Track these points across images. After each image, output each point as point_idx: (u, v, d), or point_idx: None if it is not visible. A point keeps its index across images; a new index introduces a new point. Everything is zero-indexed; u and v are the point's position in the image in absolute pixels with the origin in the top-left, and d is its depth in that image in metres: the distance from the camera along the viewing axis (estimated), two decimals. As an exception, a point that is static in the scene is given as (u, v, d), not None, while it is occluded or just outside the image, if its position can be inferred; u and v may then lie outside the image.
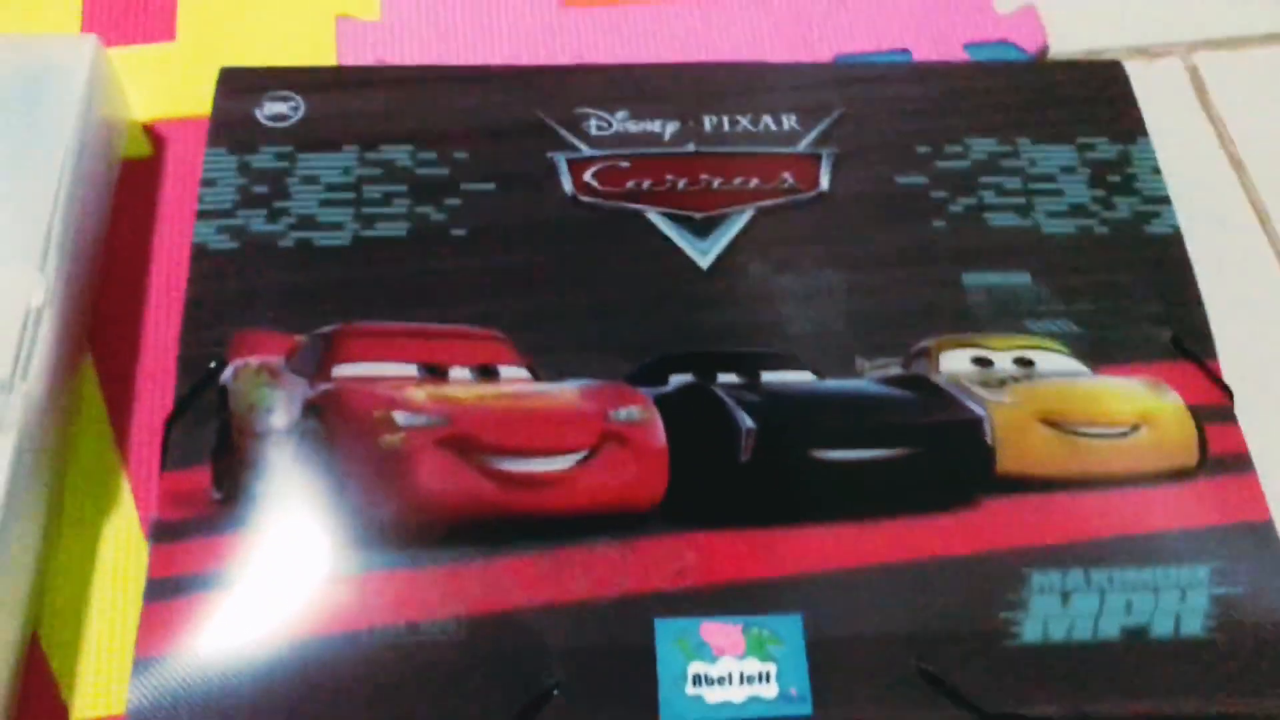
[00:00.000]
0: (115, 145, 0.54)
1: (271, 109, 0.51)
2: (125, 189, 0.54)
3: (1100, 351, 0.47)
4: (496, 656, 0.39)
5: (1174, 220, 0.50)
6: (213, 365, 0.44)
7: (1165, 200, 0.50)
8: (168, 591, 0.40)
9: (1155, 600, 0.41)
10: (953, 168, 0.51)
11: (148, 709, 0.38)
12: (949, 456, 0.44)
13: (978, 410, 0.45)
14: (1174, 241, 0.49)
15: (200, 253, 0.47)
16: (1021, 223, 0.49)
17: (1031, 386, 0.45)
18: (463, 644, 0.39)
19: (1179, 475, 0.44)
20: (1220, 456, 0.45)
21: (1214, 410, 0.46)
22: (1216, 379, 0.46)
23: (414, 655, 0.39)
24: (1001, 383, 0.46)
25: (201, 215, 0.48)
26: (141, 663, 0.39)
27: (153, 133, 0.55)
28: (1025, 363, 0.46)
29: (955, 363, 0.46)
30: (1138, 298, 0.48)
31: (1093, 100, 0.53)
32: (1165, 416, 0.45)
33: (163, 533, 0.41)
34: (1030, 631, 0.40)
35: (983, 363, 0.46)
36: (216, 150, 0.50)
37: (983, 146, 0.51)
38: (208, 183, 0.49)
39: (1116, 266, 0.49)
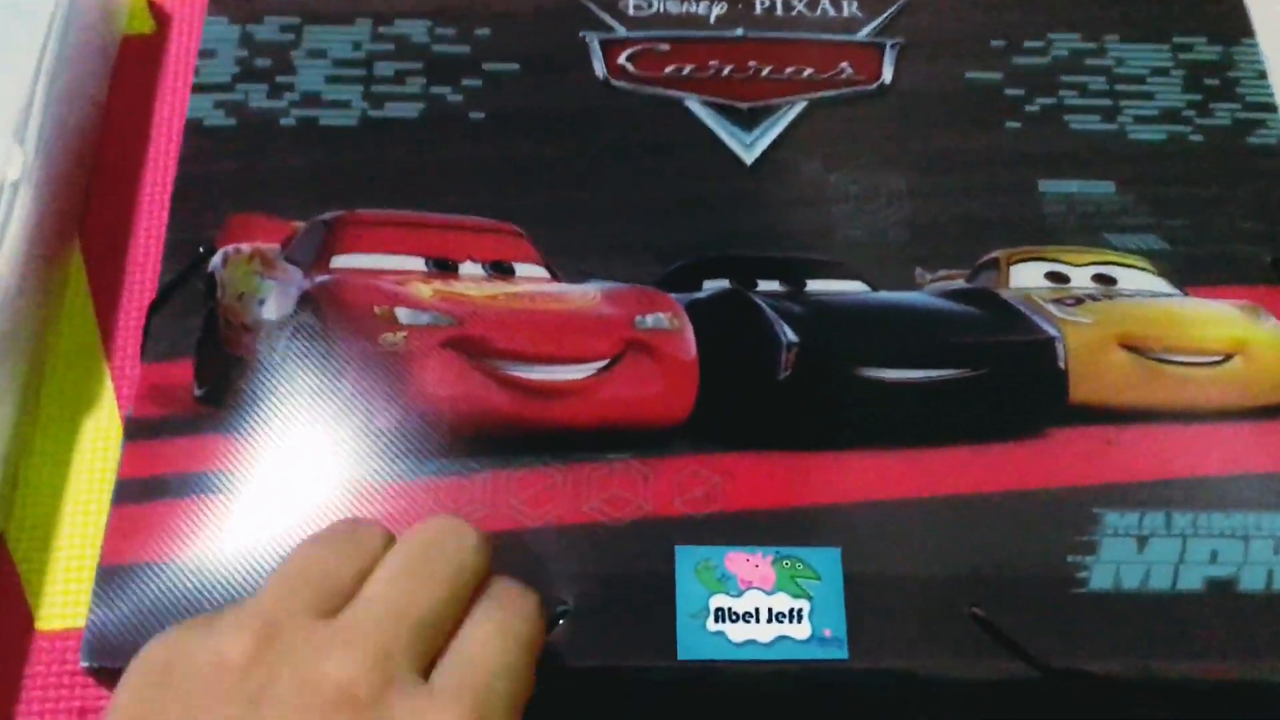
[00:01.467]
0: (114, 20, 0.49)
1: (278, -24, 0.46)
2: (125, 66, 0.49)
3: (1190, 271, 0.41)
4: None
5: (1280, 131, 0.45)
6: (201, 250, 0.40)
7: (1271, 108, 0.45)
8: (139, 494, 0.36)
9: (1245, 550, 0.36)
10: (1031, 64, 0.45)
11: (110, 622, 0.34)
12: (1016, 380, 0.39)
13: (1050, 330, 0.40)
14: (1278, 153, 0.44)
15: (194, 129, 0.43)
16: (1106, 127, 0.44)
17: (1111, 306, 0.40)
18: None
19: (1276, 411, 0.39)
20: (1324, 392, 0.40)
21: (1318, 340, 0.40)
22: (1322, 306, 0.41)
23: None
24: (1078, 301, 0.41)
25: (197, 89, 0.43)
26: (106, 570, 0.35)
27: (155, 8, 0.51)
28: (1106, 280, 0.41)
29: (1027, 277, 0.41)
30: (1234, 214, 0.42)
31: (1194, -5, 0.47)
32: (1261, 345, 0.40)
33: (138, 430, 0.37)
34: (1100, 578, 0.36)
35: (1058, 278, 0.41)
36: (217, 19, 0.45)
37: (1065, 43, 0.46)
38: (205, 54, 0.44)
39: (1211, 179, 0.43)
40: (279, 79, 0.44)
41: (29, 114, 0.42)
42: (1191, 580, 0.36)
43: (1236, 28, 0.47)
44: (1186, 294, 0.41)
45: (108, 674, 0.34)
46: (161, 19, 0.51)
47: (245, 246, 0.41)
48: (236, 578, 0.35)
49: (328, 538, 0.31)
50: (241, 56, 0.44)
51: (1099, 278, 0.41)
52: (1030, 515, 0.37)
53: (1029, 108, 0.44)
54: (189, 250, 0.40)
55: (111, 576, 0.35)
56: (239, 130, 0.43)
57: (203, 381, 0.38)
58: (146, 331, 0.39)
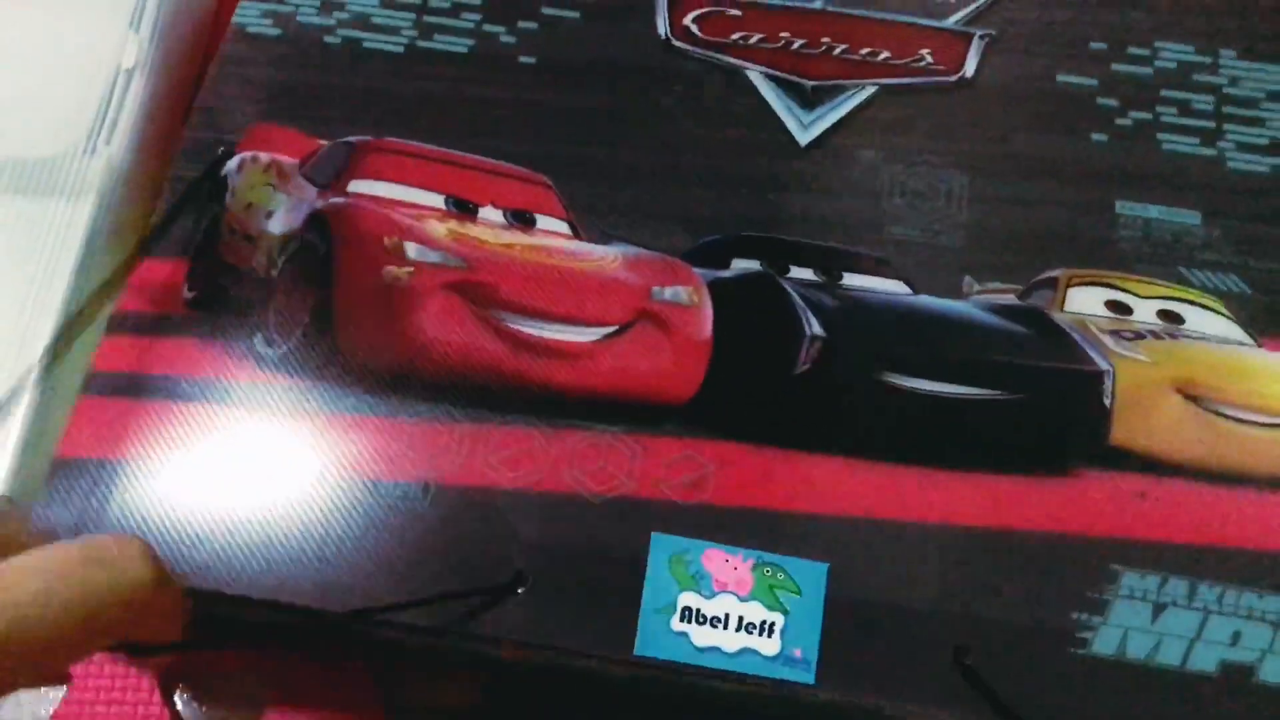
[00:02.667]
0: None
1: (353, -109, 0.45)
2: None
3: (1270, 321, 0.37)
4: (462, 537, 0.33)
5: (1401, 179, 0.40)
6: (221, 151, 0.39)
7: (1395, 153, 0.40)
8: (107, 388, 0.35)
9: (1273, 636, 0.33)
10: (1132, 72, 0.41)
11: (55, 516, 0.33)
12: (1054, 411, 0.36)
13: (1101, 362, 0.36)
14: (1395, 206, 0.40)
15: (237, 34, 0.42)
16: (1203, 151, 0.40)
17: (1174, 346, 0.37)
18: (424, 515, 0.34)
19: (1342, 488, 0.35)
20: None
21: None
22: None
23: (367, 515, 0.33)
24: (1138, 336, 0.37)
25: (248, -6, 0.43)
26: (61, 461, 0.34)
27: None
28: (1172, 317, 0.37)
29: (1085, 303, 0.38)
30: (1333, 264, 0.38)
31: (1329, 20, 0.43)
32: (1338, 413, 0.36)
33: (120, 324, 0.37)
34: (1104, 641, 0.32)
35: (1119, 308, 0.38)
36: (281, -73, 0.44)
37: (1175, 53, 0.42)
38: (262, -40, 0.43)
39: (1315, 222, 0.39)
40: (333, -5, 0.42)
41: (144, 3, 0.42)
42: (1206, 660, 0.32)
43: (1373, 61, 0.42)
44: (1260, 345, 0.37)
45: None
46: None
47: (264, 155, 0.39)
48: (190, 488, 0.34)
49: None
50: (298, -33, 0.43)
51: (1165, 314, 0.37)
52: (1040, 560, 0.33)
53: (1120, 120, 0.41)
54: (208, 148, 0.39)
55: (66, 468, 0.34)
56: (282, 40, 0.41)
57: (193, 285, 0.37)
58: (154, 228, 0.38)
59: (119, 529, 0.33)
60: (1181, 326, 0.37)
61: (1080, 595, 0.33)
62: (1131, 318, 0.37)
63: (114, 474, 0.34)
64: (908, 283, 0.38)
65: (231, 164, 0.39)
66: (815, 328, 0.36)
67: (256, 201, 0.38)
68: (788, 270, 0.38)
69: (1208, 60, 0.42)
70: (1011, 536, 0.34)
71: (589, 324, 0.36)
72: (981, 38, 0.42)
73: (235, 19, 0.42)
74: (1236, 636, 0.33)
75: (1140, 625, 0.33)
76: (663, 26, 0.42)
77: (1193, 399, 0.36)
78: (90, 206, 0.39)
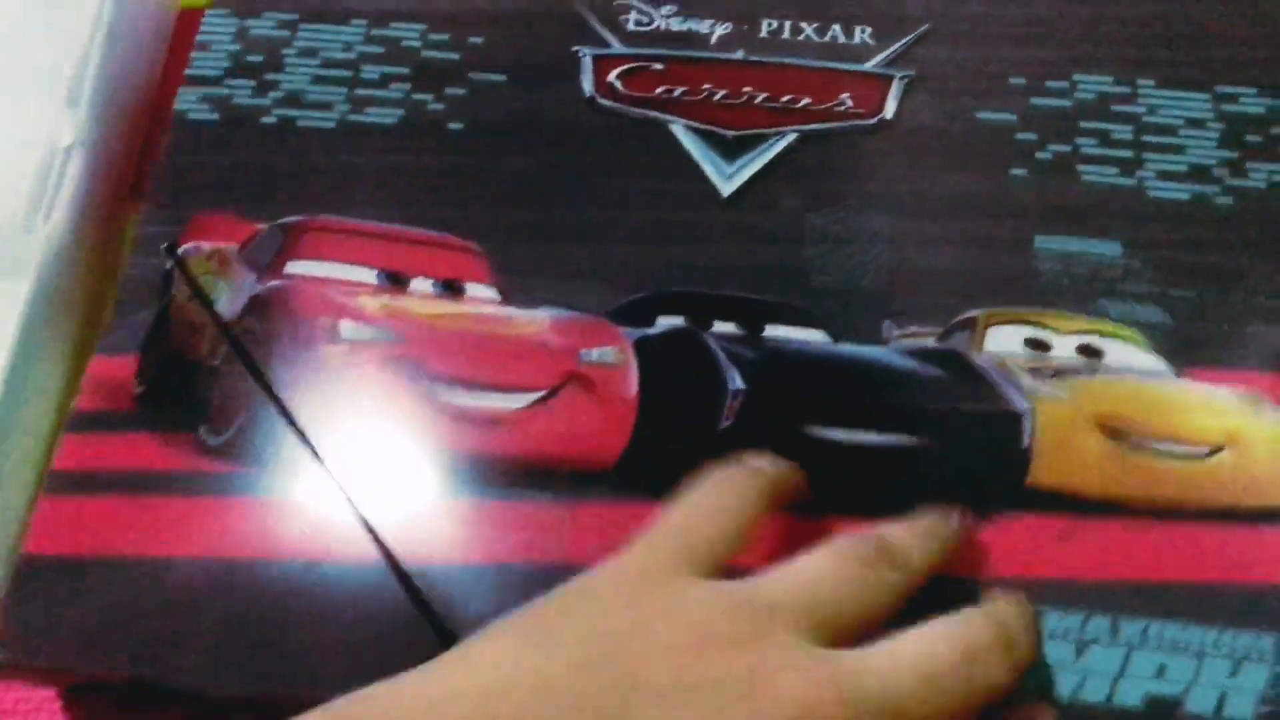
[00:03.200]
0: None
1: (286, -28, 0.46)
2: (183, 37, 0.49)
3: (1190, 350, 0.38)
4: (398, 611, 0.34)
5: (1326, 199, 0.40)
6: (165, 246, 0.41)
7: (1318, 173, 0.40)
8: (69, 486, 0.37)
9: (1197, 668, 0.33)
10: (1051, 106, 0.42)
11: (19, 616, 0.35)
12: (972, 455, 0.36)
13: (1019, 403, 0.37)
14: (1320, 225, 0.40)
15: (179, 122, 0.43)
16: (1123, 181, 0.40)
17: (1093, 381, 0.37)
18: (362, 591, 0.35)
19: (1265, 516, 0.35)
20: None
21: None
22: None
23: (311, 594, 0.35)
24: (1057, 373, 0.37)
25: (188, 80, 0.44)
26: (26, 558, 0.35)
27: None
28: (1091, 351, 0.38)
29: (1004, 341, 0.38)
30: (1254, 289, 0.38)
31: (1250, 42, 0.43)
32: (1256, 439, 0.36)
33: (78, 422, 0.38)
34: (1027, 680, 0.33)
35: (1038, 345, 0.38)
36: (219, 11, 0.45)
37: (1094, 85, 0.42)
38: (201, 46, 0.44)
39: (1236, 248, 0.39)
40: (267, 76, 0.44)
41: (83, 79, 0.43)
42: (1131, 696, 0.33)
43: (1294, 81, 0.42)
44: (1181, 375, 0.37)
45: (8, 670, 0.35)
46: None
47: (206, 245, 0.41)
48: (156, 579, 0.35)
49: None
50: (235, 51, 0.44)
51: (1084, 349, 0.38)
52: (962, 603, 0.34)
53: (1040, 154, 0.41)
54: (155, 245, 0.41)
55: (31, 565, 0.35)
56: (221, 125, 0.43)
57: (143, 379, 0.38)
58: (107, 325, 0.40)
59: (90, 624, 0.34)
60: (1101, 361, 0.38)
61: (1004, 636, 0.33)
62: (1051, 354, 0.38)
63: (76, 570, 0.35)
64: (829, 331, 0.38)
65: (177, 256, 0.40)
66: (737, 381, 0.37)
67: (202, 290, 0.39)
68: (711, 324, 0.39)
69: (1126, 90, 0.42)
70: (932, 581, 0.34)
71: (519, 390, 0.37)
72: (901, 79, 0.43)
73: (176, 106, 0.43)
74: (1162, 669, 0.33)
75: (1064, 663, 0.33)
76: (588, 85, 0.43)
77: (1114, 434, 0.36)
78: (29, 285, 0.39)
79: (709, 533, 0.30)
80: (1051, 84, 0.42)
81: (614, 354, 0.38)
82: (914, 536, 0.31)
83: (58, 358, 0.41)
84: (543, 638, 0.28)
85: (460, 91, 0.43)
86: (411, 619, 0.34)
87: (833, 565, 0.30)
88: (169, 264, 0.40)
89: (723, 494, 0.32)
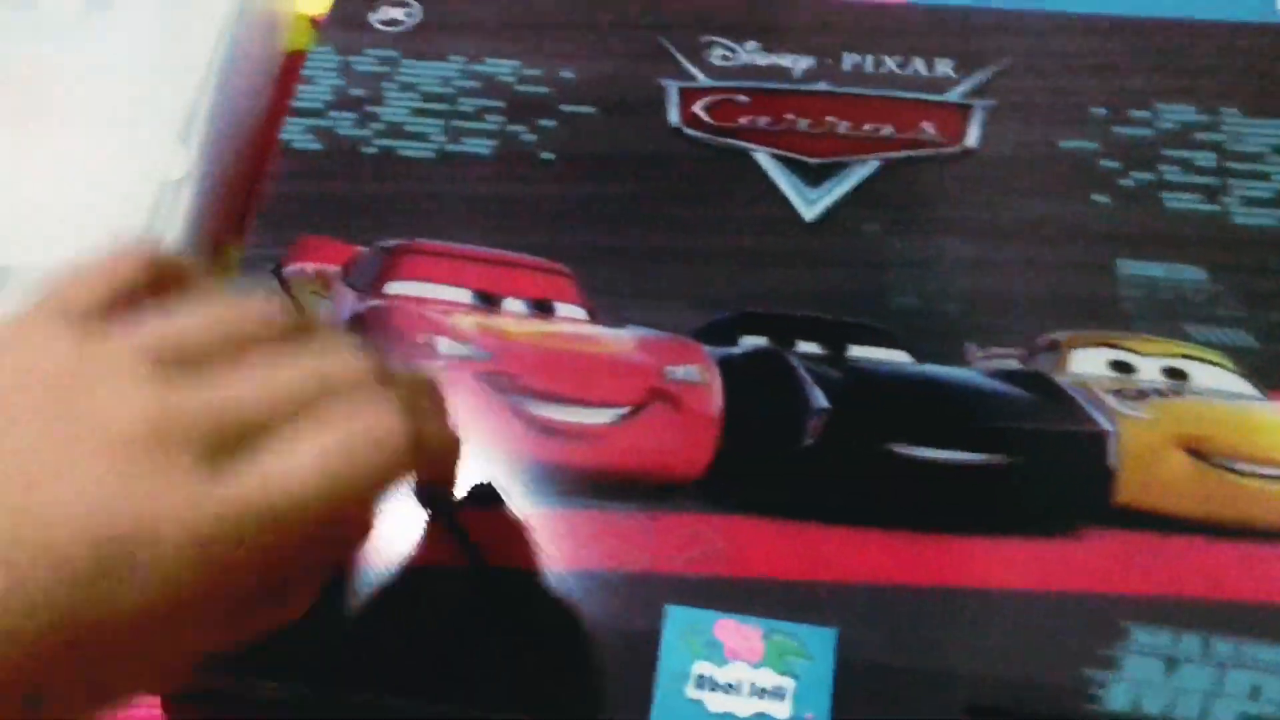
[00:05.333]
0: (277, 34, 0.53)
1: (387, 13, 0.48)
2: (288, 79, 0.51)
3: (1278, 372, 0.38)
4: (482, 615, 0.35)
5: None
6: (272, 268, 0.43)
7: (1403, 199, 0.40)
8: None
9: (1291, 689, 0.33)
10: (1133, 134, 0.42)
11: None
12: (1058, 474, 0.36)
13: (1104, 423, 0.37)
14: (1406, 251, 0.39)
15: (285, 150, 0.45)
16: (1208, 207, 0.41)
17: (1179, 404, 0.37)
18: (448, 595, 0.35)
19: (1356, 539, 0.35)
20: None
21: None
22: None
23: (398, 597, 0.35)
24: (1142, 394, 0.37)
25: (293, 112, 0.46)
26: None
27: (318, 25, 0.53)
28: (1177, 374, 0.38)
29: (1088, 364, 0.38)
30: (1342, 315, 0.38)
31: (1336, 70, 0.43)
32: (1349, 463, 0.36)
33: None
34: (1118, 697, 0.33)
35: (1123, 368, 0.38)
36: (324, 49, 0.48)
37: (1176, 114, 0.43)
38: (306, 80, 0.47)
39: (1323, 274, 0.39)
40: (368, 108, 0.46)
41: (194, 118, 0.45)
42: (1224, 715, 0.32)
43: (1381, 108, 0.42)
44: (1268, 398, 0.37)
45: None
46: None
47: (310, 267, 0.42)
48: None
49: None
50: (338, 85, 0.46)
51: (1170, 371, 0.38)
52: (1049, 619, 0.34)
53: (1123, 181, 0.41)
54: (263, 263, 0.43)
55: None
56: (325, 154, 0.45)
57: None
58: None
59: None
60: (1186, 383, 0.38)
61: (1090, 652, 0.33)
62: (1135, 377, 0.38)
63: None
64: (911, 352, 0.39)
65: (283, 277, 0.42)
66: (821, 401, 0.38)
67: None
68: (794, 345, 0.39)
69: (1209, 119, 0.42)
70: (1018, 596, 0.34)
71: (606, 405, 0.38)
72: (983, 109, 0.44)
73: (282, 136, 0.45)
74: (1256, 690, 0.33)
75: (1154, 680, 0.33)
76: (674, 115, 0.45)
77: (1199, 455, 0.36)
78: None
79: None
80: (1134, 113, 0.43)
81: (698, 372, 0.39)
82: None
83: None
84: None
85: (551, 123, 0.45)
86: (496, 623, 0.35)
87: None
88: (274, 285, 0.42)
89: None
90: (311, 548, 0.27)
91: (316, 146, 0.45)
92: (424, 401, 0.30)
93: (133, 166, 0.44)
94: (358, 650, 0.35)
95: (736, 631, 0.35)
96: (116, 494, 0.23)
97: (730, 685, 0.34)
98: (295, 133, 0.45)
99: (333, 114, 0.46)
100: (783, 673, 0.34)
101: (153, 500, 0.24)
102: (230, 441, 0.25)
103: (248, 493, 0.25)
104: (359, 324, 0.40)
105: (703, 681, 0.34)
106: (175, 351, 0.26)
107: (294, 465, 0.25)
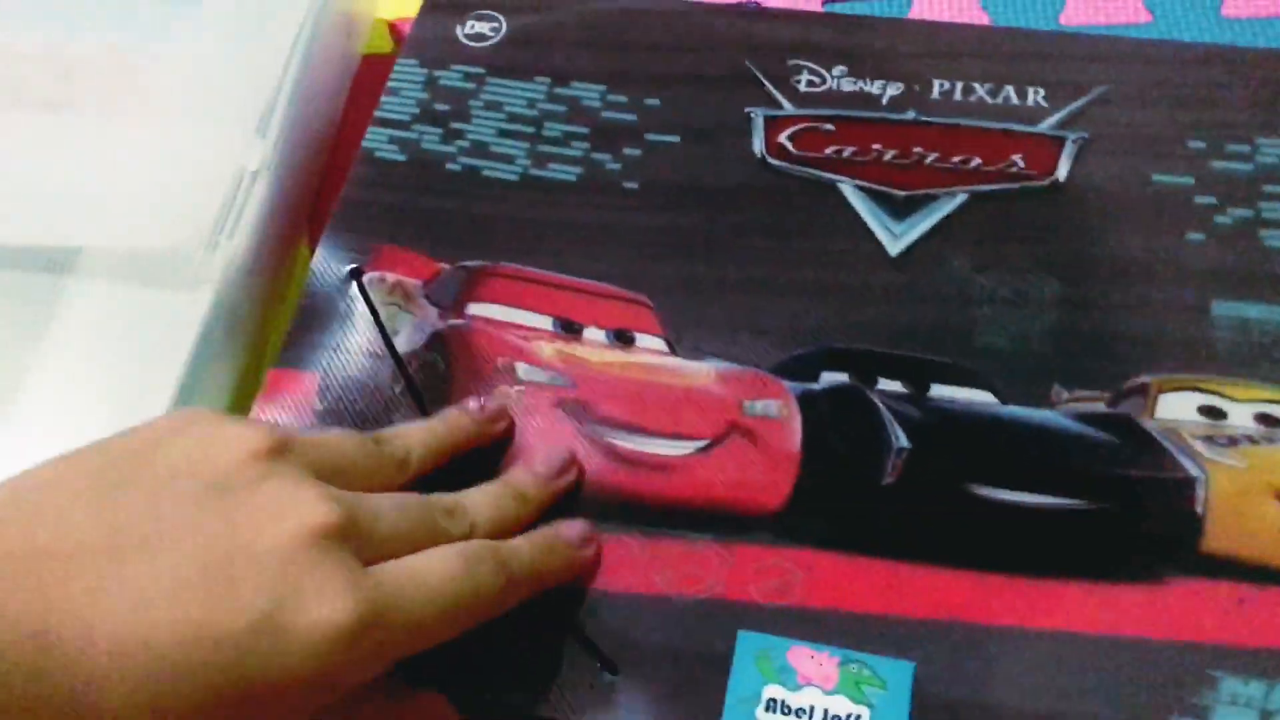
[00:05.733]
0: (355, 37, 0.53)
1: (473, 27, 0.49)
2: (362, 79, 0.53)
3: (1378, 424, 0.36)
4: (560, 639, 0.36)
5: None
6: (349, 270, 0.43)
7: None
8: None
9: (1386, 748, 0.32)
10: (1230, 169, 0.41)
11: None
12: (1143, 520, 0.36)
13: (1192, 470, 0.36)
14: None
15: (366, 157, 0.46)
16: (1308, 247, 0.40)
17: (1272, 452, 0.36)
18: (526, 618, 0.36)
19: None
20: None
21: None
22: None
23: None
24: (1233, 441, 0.37)
25: (377, 121, 0.47)
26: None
27: (395, 30, 0.55)
28: (1271, 421, 0.37)
29: (1177, 408, 0.37)
30: None
31: None
32: None
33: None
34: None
35: (1213, 413, 0.37)
36: (409, 61, 0.48)
37: (1275, 149, 0.41)
38: (391, 90, 0.47)
39: None
40: (453, 125, 0.46)
41: (272, 112, 0.46)
42: (1318, 771, 0.32)
43: None
44: (1367, 449, 0.36)
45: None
46: (400, 40, 0.54)
47: (390, 276, 0.43)
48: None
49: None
50: (423, 99, 0.47)
51: (1263, 418, 0.37)
52: (1133, 664, 0.33)
53: (1219, 218, 0.40)
54: (337, 266, 0.43)
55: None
56: (407, 166, 0.45)
57: (324, 398, 0.40)
58: (287, 338, 0.42)
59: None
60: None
61: (1179, 700, 0.33)
62: (1226, 422, 0.37)
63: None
64: (995, 392, 0.38)
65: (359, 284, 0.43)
66: (902, 440, 0.37)
67: (384, 321, 0.42)
68: (876, 382, 0.39)
69: (1311, 155, 0.41)
70: (1101, 641, 0.34)
71: (683, 438, 0.38)
72: (1075, 141, 0.43)
73: (365, 143, 0.46)
74: (1354, 745, 0.32)
75: (1246, 733, 0.32)
76: (759, 145, 0.44)
77: (1294, 505, 0.35)
78: (209, 296, 0.41)
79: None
80: (1231, 147, 0.42)
81: (777, 407, 0.39)
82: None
83: (230, 367, 0.43)
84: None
85: (636, 152, 0.45)
86: (573, 647, 0.35)
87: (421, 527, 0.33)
88: (350, 288, 0.43)
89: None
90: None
91: (399, 158, 0.46)
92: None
93: (210, 156, 0.45)
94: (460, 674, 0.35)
95: (811, 658, 0.35)
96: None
97: (801, 710, 0.34)
98: (379, 141, 0.46)
99: (416, 127, 0.46)
100: (857, 701, 0.34)
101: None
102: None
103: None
104: (440, 342, 0.41)
105: (773, 705, 0.34)
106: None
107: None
